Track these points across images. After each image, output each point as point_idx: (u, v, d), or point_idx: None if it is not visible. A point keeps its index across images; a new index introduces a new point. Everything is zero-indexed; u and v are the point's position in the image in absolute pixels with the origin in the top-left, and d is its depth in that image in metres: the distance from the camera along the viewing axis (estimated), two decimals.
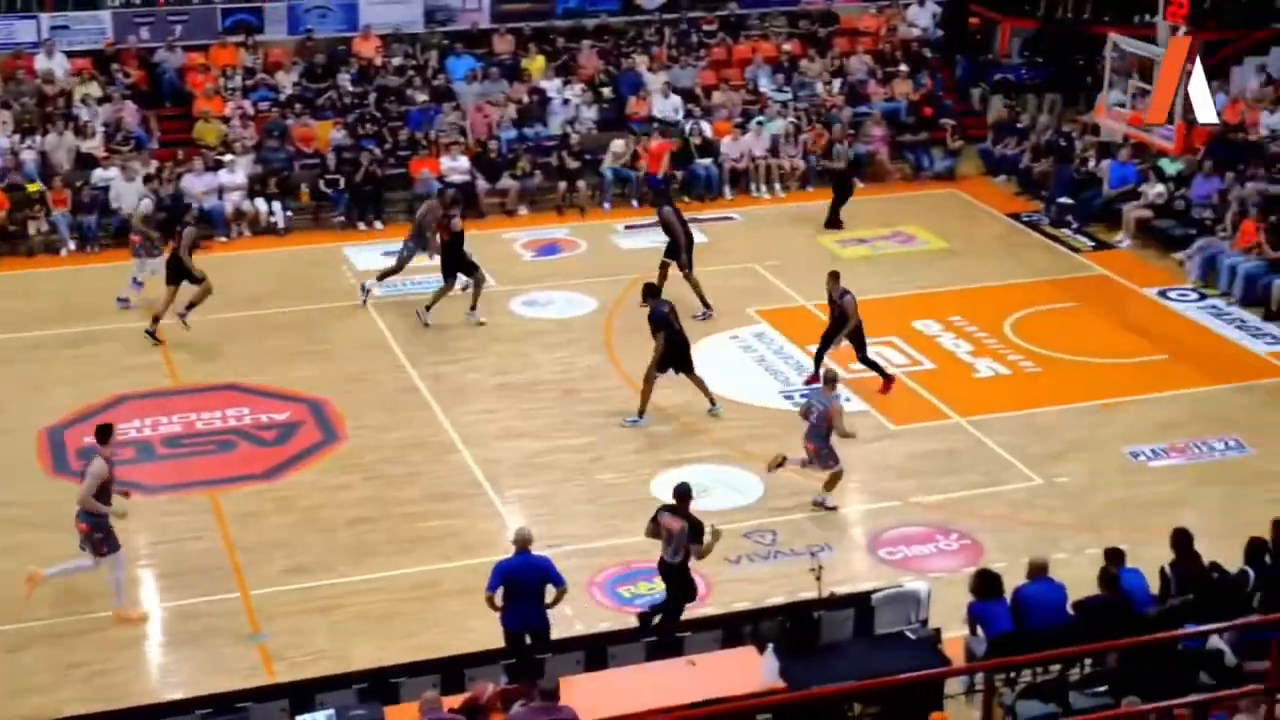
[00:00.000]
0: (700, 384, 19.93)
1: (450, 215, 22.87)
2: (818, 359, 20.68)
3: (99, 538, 15.56)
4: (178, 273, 22.17)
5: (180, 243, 22.16)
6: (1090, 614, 13.75)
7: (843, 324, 20.37)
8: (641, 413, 19.77)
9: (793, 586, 15.90)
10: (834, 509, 17.79)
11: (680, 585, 15.02)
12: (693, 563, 14.90)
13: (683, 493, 14.99)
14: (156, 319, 22.14)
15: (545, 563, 14.13)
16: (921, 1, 33.05)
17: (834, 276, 20.61)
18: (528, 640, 13.89)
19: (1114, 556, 14.48)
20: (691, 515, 14.89)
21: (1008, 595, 14.08)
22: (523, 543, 14.04)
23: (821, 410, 17.61)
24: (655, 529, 15.07)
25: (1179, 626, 13.03)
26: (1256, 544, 14.61)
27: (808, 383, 20.54)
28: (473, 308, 22.89)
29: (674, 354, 19.70)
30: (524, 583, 13.91)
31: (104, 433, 15.94)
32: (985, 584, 14.11)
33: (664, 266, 22.92)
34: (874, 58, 31.66)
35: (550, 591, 14.00)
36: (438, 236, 22.95)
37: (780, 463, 17.80)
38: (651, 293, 20.26)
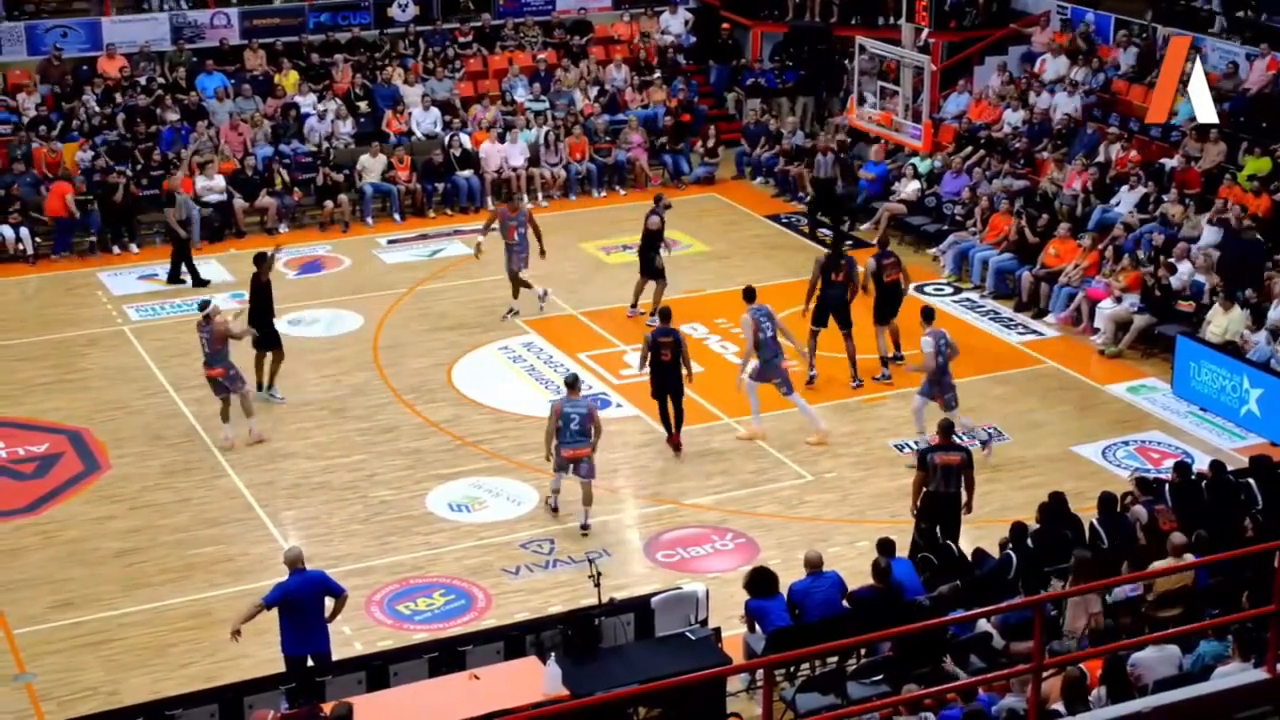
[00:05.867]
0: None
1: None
2: None
3: None
4: None
5: None
6: (862, 605, 14.06)
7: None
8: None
9: (572, 594, 15.98)
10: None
11: (957, 514, 16.07)
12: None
13: (949, 427, 16.50)
14: None
15: (320, 575, 13.98)
16: (674, 9, 33.43)
17: (657, 315, 20.39)
18: (309, 663, 13.70)
19: (885, 547, 14.83)
20: (964, 446, 16.61)
21: (783, 591, 14.33)
22: (293, 562, 13.83)
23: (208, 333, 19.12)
24: (926, 469, 16.13)
25: (948, 613, 13.38)
26: (1018, 528, 15.12)
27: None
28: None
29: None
30: (305, 601, 13.70)
31: None
32: (760, 582, 14.33)
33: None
34: (629, 65, 31.92)
35: (329, 604, 13.82)
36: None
37: None
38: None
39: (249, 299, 20.76)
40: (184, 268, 24.79)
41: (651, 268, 22.96)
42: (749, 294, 20.02)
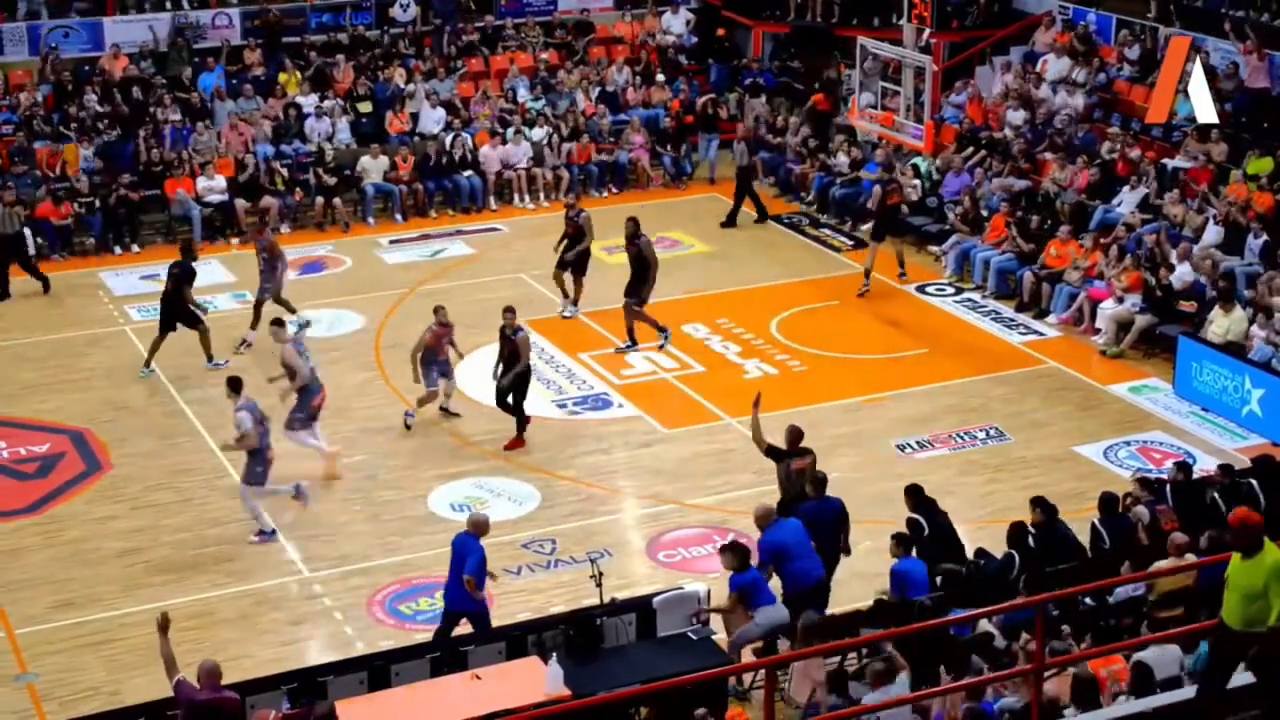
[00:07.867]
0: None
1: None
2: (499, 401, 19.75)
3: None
4: None
5: None
6: (807, 518, 14.92)
7: (513, 363, 19.36)
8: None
9: (574, 594, 15.98)
10: None
11: None
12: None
13: (799, 433, 16.17)
14: None
15: (471, 552, 14.44)
16: (675, 9, 33.42)
17: (510, 311, 19.70)
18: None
19: (903, 540, 14.86)
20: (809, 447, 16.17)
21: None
22: (473, 525, 14.59)
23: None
24: (781, 471, 16.00)
25: (950, 613, 13.40)
26: (1018, 528, 15.11)
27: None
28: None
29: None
30: (454, 561, 14.50)
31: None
32: (741, 556, 14.33)
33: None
34: (631, 65, 31.90)
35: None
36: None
37: None
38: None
39: (171, 282, 21.51)
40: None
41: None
42: (276, 322, 19.70)
